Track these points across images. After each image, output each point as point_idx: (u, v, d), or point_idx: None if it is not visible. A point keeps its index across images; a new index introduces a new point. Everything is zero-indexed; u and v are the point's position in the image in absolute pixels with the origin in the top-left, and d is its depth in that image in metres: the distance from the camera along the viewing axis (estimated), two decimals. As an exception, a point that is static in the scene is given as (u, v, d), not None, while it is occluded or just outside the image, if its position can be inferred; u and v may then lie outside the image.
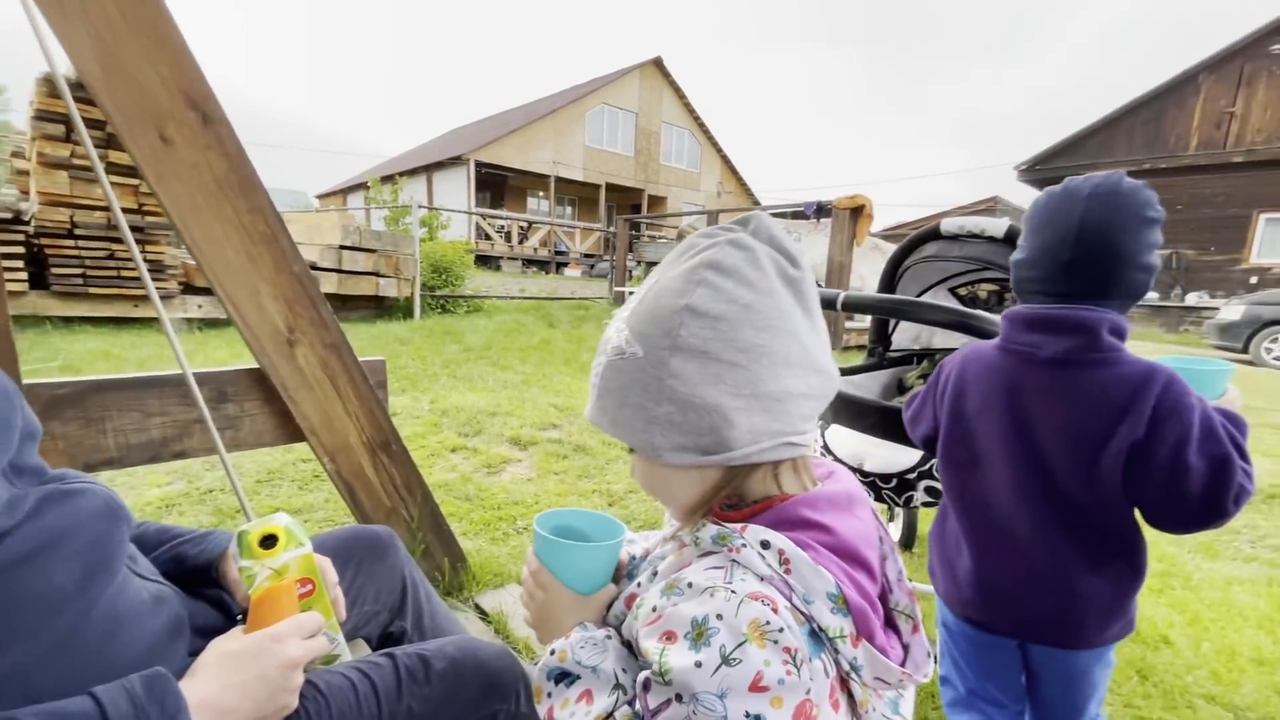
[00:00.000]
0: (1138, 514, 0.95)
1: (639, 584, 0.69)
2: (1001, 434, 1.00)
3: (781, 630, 0.51)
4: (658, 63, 24.92)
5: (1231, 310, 9.41)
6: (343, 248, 7.39)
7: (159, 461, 1.44)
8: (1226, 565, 2.48)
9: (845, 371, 1.88)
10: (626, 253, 11.27)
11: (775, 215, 9.91)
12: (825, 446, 1.63)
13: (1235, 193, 13.56)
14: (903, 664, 0.59)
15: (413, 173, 22.66)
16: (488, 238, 19.52)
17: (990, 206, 23.67)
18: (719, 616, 0.51)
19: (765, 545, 0.56)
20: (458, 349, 6.17)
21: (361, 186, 24.26)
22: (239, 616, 0.89)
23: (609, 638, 0.65)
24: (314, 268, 7.18)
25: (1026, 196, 20.70)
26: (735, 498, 0.63)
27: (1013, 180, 17.21)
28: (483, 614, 1.82)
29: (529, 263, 19.97)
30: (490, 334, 7.08)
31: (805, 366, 0.59)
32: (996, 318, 1.24)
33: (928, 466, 1.49)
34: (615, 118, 24.18)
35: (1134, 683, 1.69)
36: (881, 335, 1.99)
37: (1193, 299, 13.48)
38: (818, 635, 0.54)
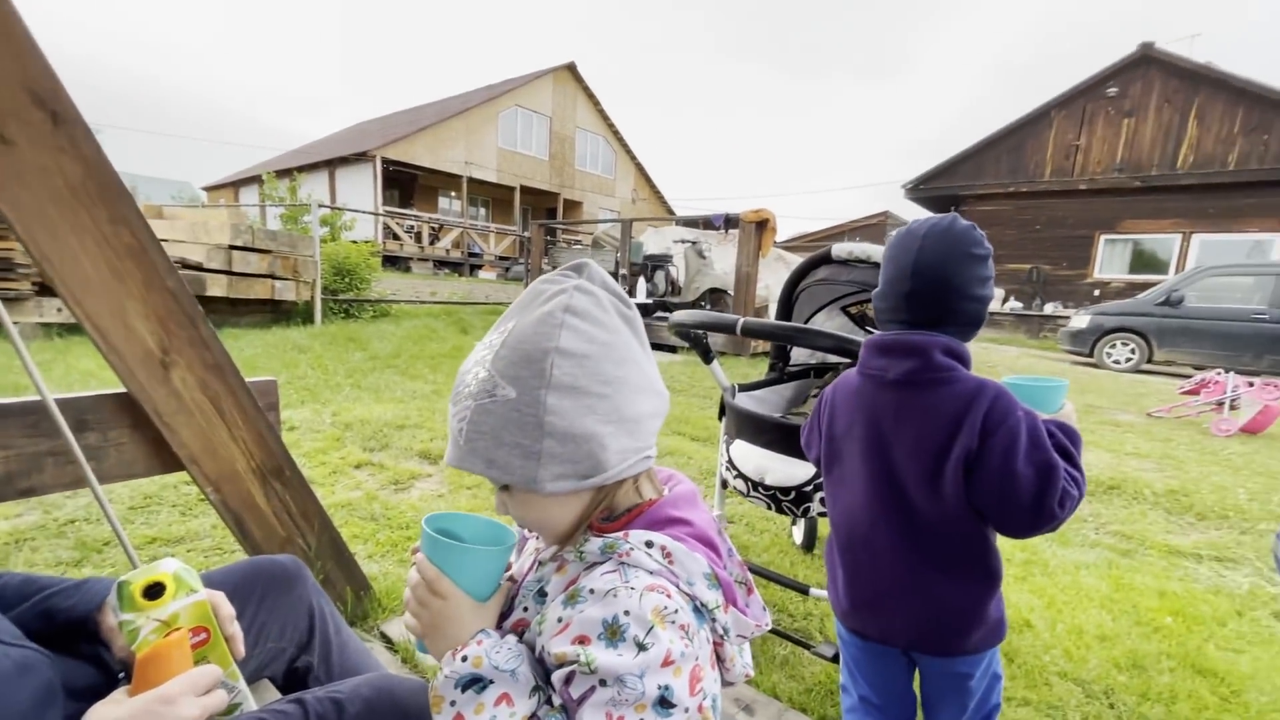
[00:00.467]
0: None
1: (525, 609, 0.71)
2: (863, 453, 1.09)
3: (677, 611, 0.61)
4: (571, 68, 24.84)
5: (1079, 319, 10.62)
6: (234, 248, 6.86)
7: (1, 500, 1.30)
8: (1076, 552, 2.78)
9: (746, 387, 1.96)
10: (542, 257, 11.17)
11: (687, 225, 10.16)
12: (730, 462, 1.70)
13: (1081, 216, 15.42)
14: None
15: (313, 168, 21.37)
16: (396, 238, 18.73)
17: (882, 221, 25.42)
18: (626, 613, 0.59)
19: (649, 545, 0.65)
20: (363, 357, 5.89)
21: (255, 180, 22.66)
22: (121, 675, 0.81)
23: (519, 643, 0.67)
24: (200, 269, 6.62)
25: (914, 212, 22.45)
26: (607, 511, 0.71)
27: (901, 197, 18.58)
28: (389, 643, 1.75)
29: (441, 264, 19.34)
30: (398, 340, 6.80)
31: (650, 390, 0.69)
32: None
33: (822, 480, 1.58)
34: (529, 120, 23.88)
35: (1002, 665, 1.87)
36: (781, 352, 2.10)
37: (1050, 309, 15.13)
38: (699, 610, 0.65)
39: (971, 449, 0.95)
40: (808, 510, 1.61)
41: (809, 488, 1.57)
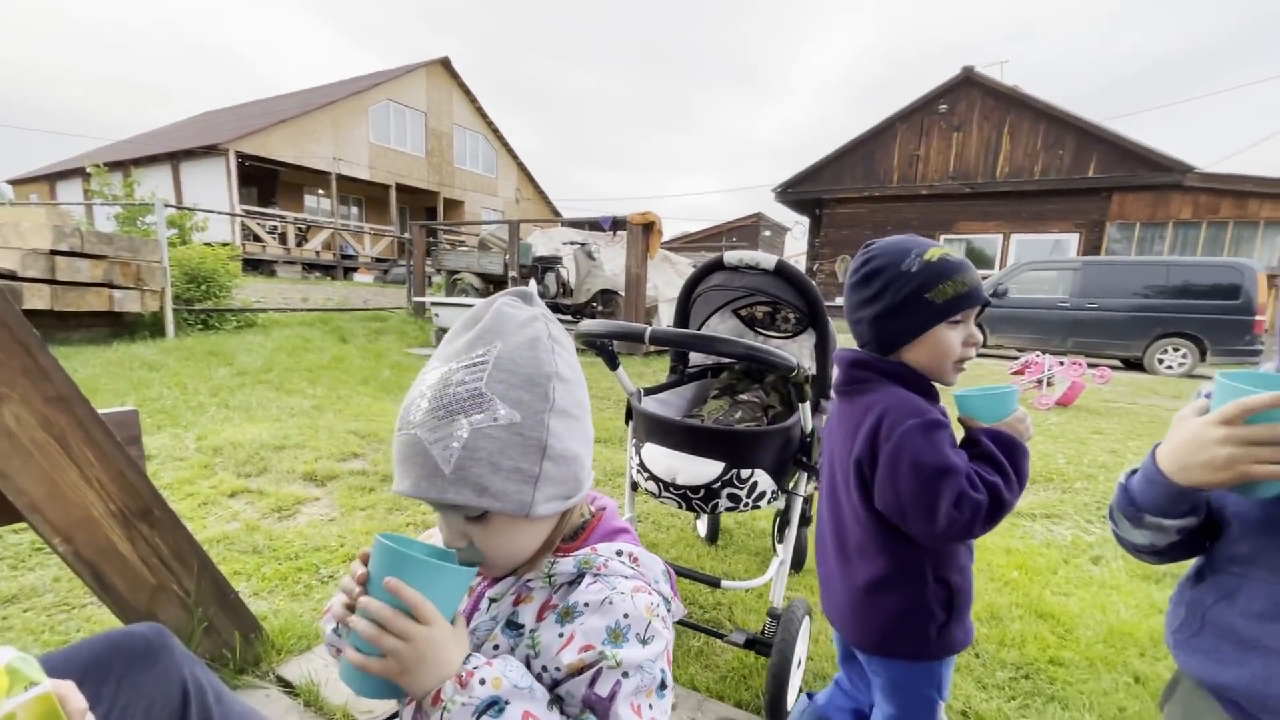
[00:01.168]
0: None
1: (496, 646, 0.69)
2: (828, 460, 1.22)
3: (659, 605, 0.67)
4: (445, 63, 23.93)
5: None
6: (57, 253, 5.98)
7: None
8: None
9: (651, 390, 2.02)
10: (424, 259, 10.71)
11: (574, 226, 10.17)
12: (641, 464, 1.75)
13: (925, 218, 17.38)
14: None
15: (152, 161, 19.03)
16: (257, 240, 17.17)
17: (755, 222, 27.05)
18: (626, 616, 0.64)
19: (619, 554, 0.70)
20: (229, 373, 5.36)
21: (77, 174, 19.82)
22: None
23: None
24: (14, 278, 5.71)
25: (784, 214, 24.04)
26: (568, 532, 0.74)
27: (771, 199, 19.89)
28: (287, 686, 1.62)
29: (311, 267, 17.97)
30: (270, 353, 6.25)
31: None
32: (777, 350, 1.45)
33: (729, 476, 1.66)
34: (403, 115, 22.72)
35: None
36: (681, 355, 2.19)
37: None
38: (664, 602, 0.70)
39: (864, 457, 1.05)
40: (715, 507, 1.68)
41: (716, 485, 1.65)
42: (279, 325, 8.03)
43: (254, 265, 16.66)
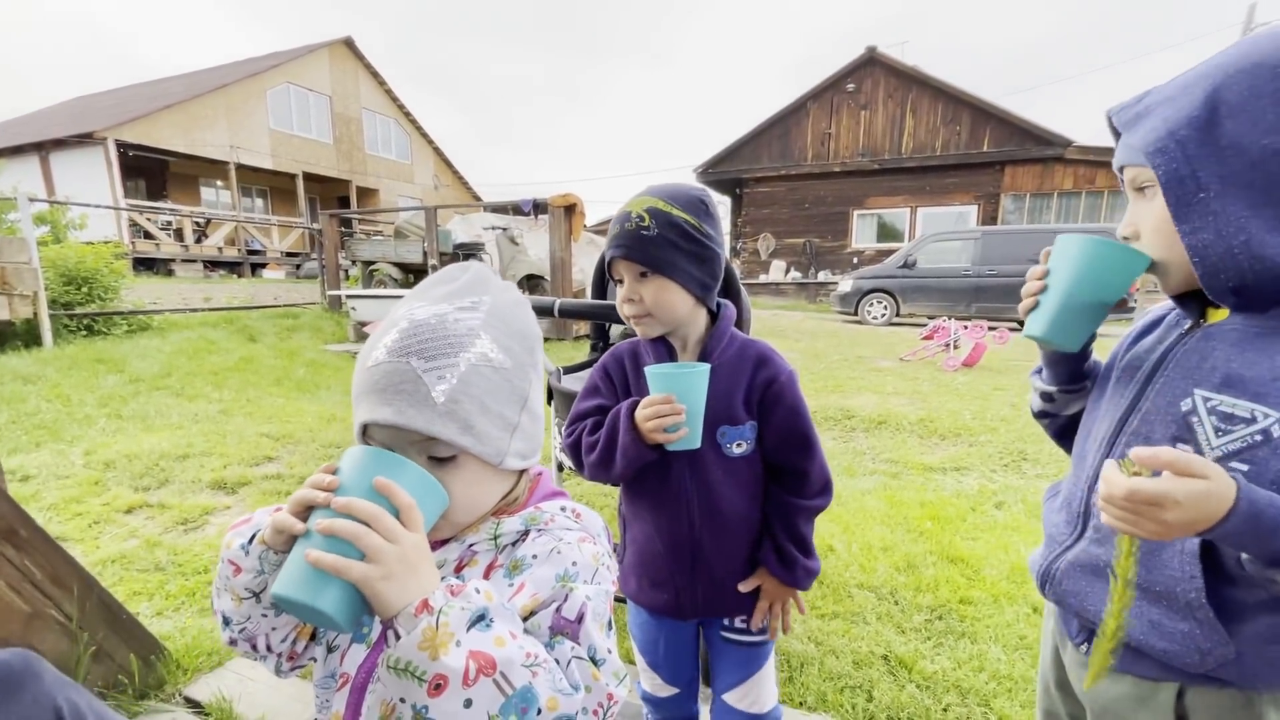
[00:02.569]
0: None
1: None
2: None
3: (604, 554, 0.68)
4: (349, 43, 22.62)
5: (844, 284, 12.82)
6: (-102, 260, 5.30)
7: None
8: (860, 481, 3.28)
9: (570, 369, 2.00)
10: (338, 251, 10.18)
11: (496, 211, 9.92)
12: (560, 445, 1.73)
13: (838, 194, 18.06)
14: None
15: (16, 152, 17.11)
16: (149, 237, 15.81)
17: None
18: (574, 563, 0.63)
19: (563, 510, 0.70)
20: (120, 380, 4.94)
21: (-79, 169, 17.60)
22: None
23: None
24: None
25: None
26: (514, 495, 0.73)
27: (693, 180, 20.02)
28: (196, 707, 1.52)
29: (214, 265, 16.75)
30: (168, 357, 5.81)
31: None
32: None
33: None
34: (305, 100, 21.34)
35: (813, 589, 2.16)
36: (600, 331, 2.16)
37: (822, 277, 17.72)
38: (607, 554, 0.71)
39: None
40: None
41: None
42: (178, 327, 7.44)
43: (147, 265, 15.37)
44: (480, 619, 0.53)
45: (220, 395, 4.70)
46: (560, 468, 1.94)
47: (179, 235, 16.65)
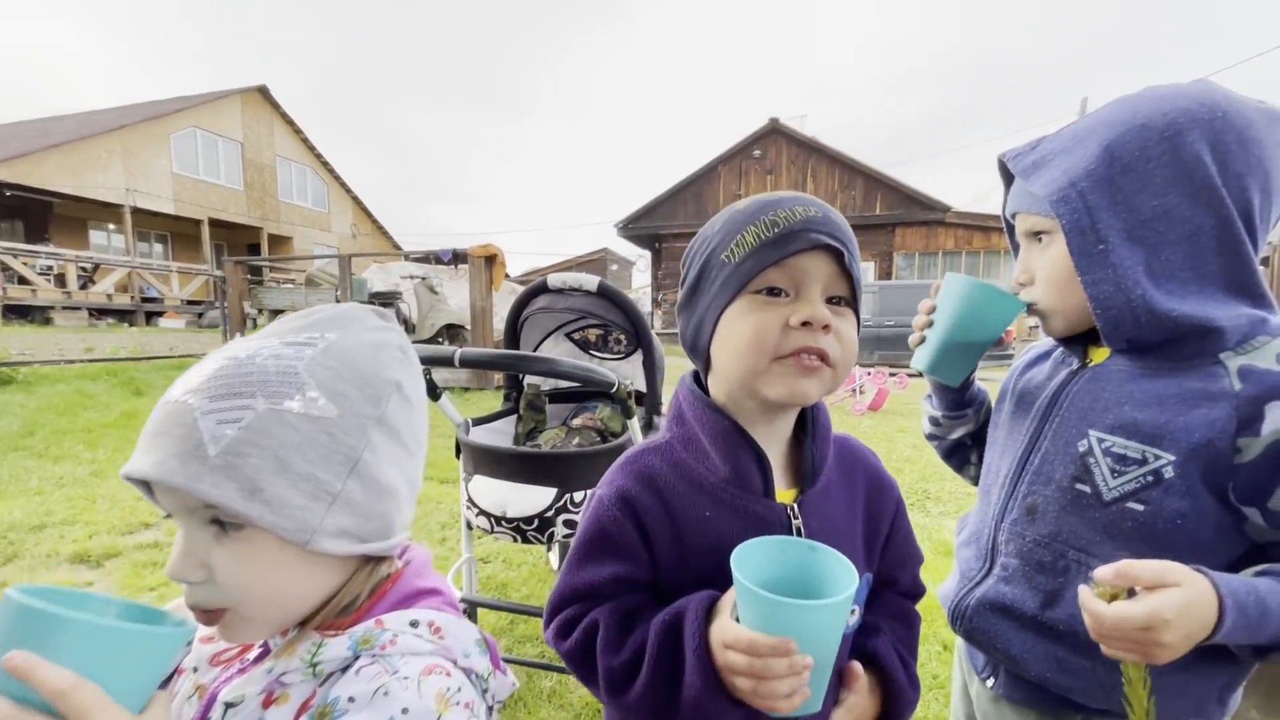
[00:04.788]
0: None
1: None
2: None
3: (460, 689, 0.52)
4: (263, 91, 22.05)
5: None
6: None
7: None
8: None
9: (480, 421, 2.00)
10: (242, 300, 9.69)
11: (416, 260, 9.80)
12: (470, 499, 1.70)
13: None
14: None
15: None
16: (24, 282, 14.42)
17: (602, 256, 28.21)
18: (405, 711, 0.47)
19: (414, 624, 0.54)
20: (-33, 443, 4.42)
21: None
22: None
23: None
24: None
25: (628, 248, 25.48)
26: (348, 600, 0.56)
27: (614, 235, 21.11)
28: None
29: (102, 313, 15.44)
30: (31, 413, 5.25)
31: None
32: (596, 367, 1.49)
33: (562, 502, 1.63)
34: (214, 145, 20.48)
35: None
36: (514, 381, 2.17)
37: None
38: (474, 681, 0.55)
39: None
40: (552, 536, 1.64)
41: (550, 512, 1.62)
42: (48, 380, 6.75)
43: (20, 312, 13.97)
44: None
45: (93, 455, 4.29)
46: (469, 525, 1.83)
47: (60, 280, 15.31)
